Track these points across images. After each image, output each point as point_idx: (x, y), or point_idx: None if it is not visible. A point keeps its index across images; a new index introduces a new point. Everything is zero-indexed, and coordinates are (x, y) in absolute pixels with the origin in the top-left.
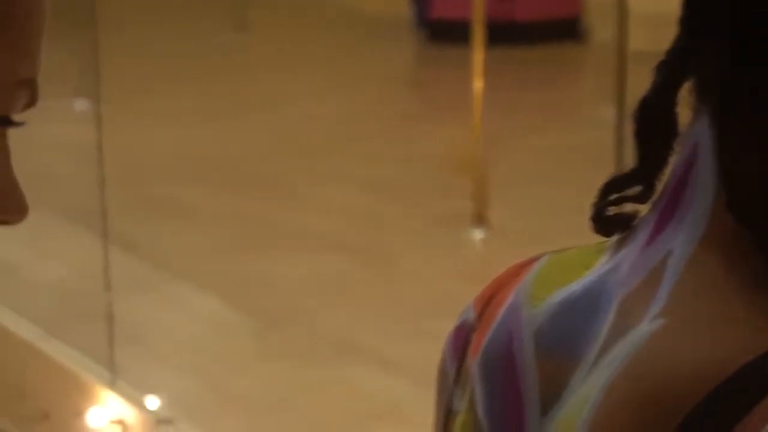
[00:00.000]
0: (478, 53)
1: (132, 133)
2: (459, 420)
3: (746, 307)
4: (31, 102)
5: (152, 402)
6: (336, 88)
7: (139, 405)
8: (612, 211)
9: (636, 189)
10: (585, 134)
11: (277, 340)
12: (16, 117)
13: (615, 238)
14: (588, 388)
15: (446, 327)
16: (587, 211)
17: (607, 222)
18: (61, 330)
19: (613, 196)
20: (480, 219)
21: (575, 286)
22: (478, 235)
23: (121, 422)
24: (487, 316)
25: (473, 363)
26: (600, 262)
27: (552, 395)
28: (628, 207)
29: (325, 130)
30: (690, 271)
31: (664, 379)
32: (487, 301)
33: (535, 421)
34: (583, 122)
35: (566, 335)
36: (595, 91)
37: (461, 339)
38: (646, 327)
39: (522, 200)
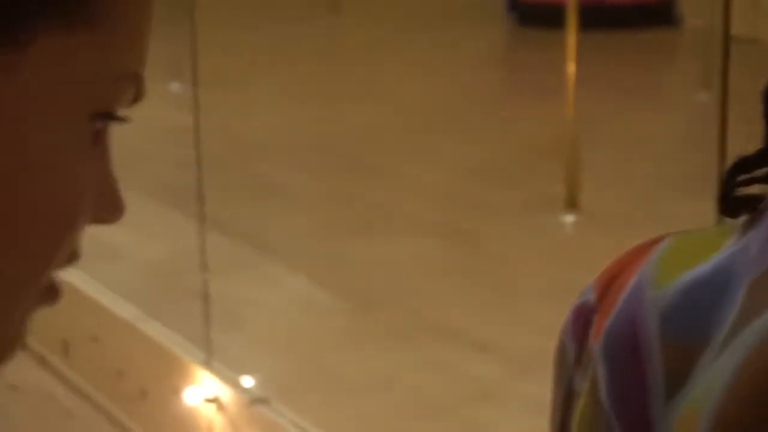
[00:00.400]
0: (571, 36)
1: (228, 117)
2: (580, 402)
3: None
4: (137, 97)
5: (247, 381)
6: (427, 71)
7: (234, 384)
8: (739, 192)
9: (763, 170)
10: (678, 119)
11: (372, 322)
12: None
13: (741, 219)
14: (715, 373)
15: (540, 310)
16: (679, 196)
17: (734, 203)
18: (158, 310)
19: (741, 177)
20: (572, 202)
21: (702, 268)
22: (569, 218)
23: (216, 400)
24: (609, 298)
25: (595, 345)
26: (727, 245)
27: (678, 379)
28: (755, 188)
29: (419, 113)
30: None
31: None
32: (609, 283)
33: (660, 404)
34: (676, 107)
35: (693, 317)
36: (688, 76)
37: (581, 320)
38: None
39: (614, 184)
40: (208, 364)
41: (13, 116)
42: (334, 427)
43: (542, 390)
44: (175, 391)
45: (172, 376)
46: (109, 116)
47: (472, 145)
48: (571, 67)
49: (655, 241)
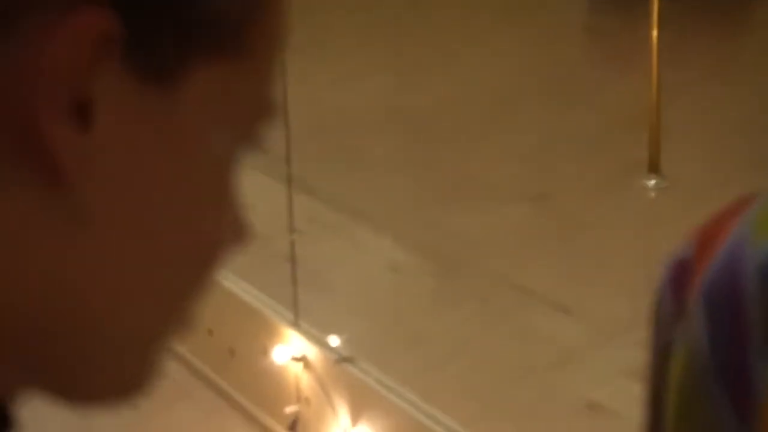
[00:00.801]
0: (654, 2)
1: (319, 85)
2: (680, 353)
3: None
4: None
5: (333, 341)
6: (511, 39)
7: (321, 343)
8: None
9: None
10: (765, 86)
11: (457, 285)
12: None
13: None
14: None
15: (623, 276)
16: (764, 162)
17: None
18: (247, 271)
19: None
20: (655, 168)
21: None
22: (652, 184)
23: (303, 359)
24: (707, 254)
25: (694, 299)
26: None
27: None
28: None
29: (505, 82)
30: None
31: None
32: (706, 240)
33: (761, 355)
34: (763, 74)
35: None
36: None
37: (680, 275)
38: None
39: (698, 150)
40: (295, 324)
41: (175, 152)
42: (417, 386)
43: (623, 354)
44: (264, 350)
45: (260, 336)
46: (255, 144)
47: (557, 114)
48: (655, 33)
49: (749, 200)
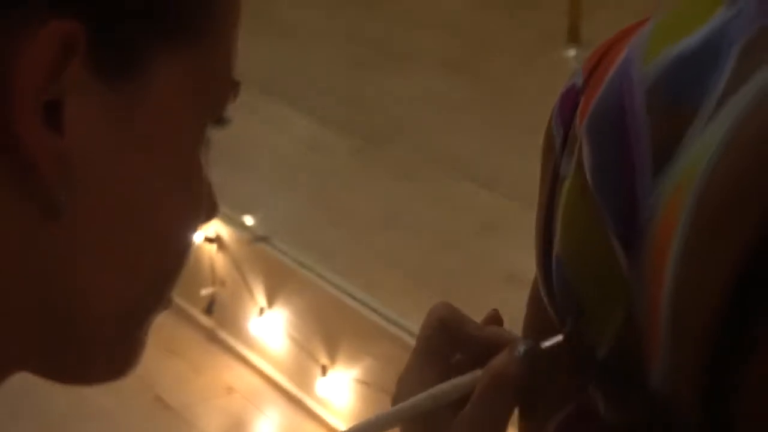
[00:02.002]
0: None
1: None
2: (566, 185)
3: None
4: (234, 99)
5: (248, 220)
6: None
7: (235, 223)
8: None
9: None
10: None
11: (378, 158)
12: None
13: None
14: (706, 140)
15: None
16: None
17: None
18: None
19: None
20: (575, 38)
21: (692, 38)
22: (572, 54)
23: (217, 239)
24: (596, 77)
25: (581, 126)
26: (718, 12)
27: (665, 153)
28: None
29: None
30: None
31: None
32: (596, 63)
33: (647, 181)
34: None
35: (682, 88)
36: None
37: (569, 103)
38: (767, 73)
39: (619, 19)
40: None
41: (148, 141)
42: (337, 263)
43: None
44: None
45: None
46: (221, 121)
47: None
48: None
49: (645, 20)
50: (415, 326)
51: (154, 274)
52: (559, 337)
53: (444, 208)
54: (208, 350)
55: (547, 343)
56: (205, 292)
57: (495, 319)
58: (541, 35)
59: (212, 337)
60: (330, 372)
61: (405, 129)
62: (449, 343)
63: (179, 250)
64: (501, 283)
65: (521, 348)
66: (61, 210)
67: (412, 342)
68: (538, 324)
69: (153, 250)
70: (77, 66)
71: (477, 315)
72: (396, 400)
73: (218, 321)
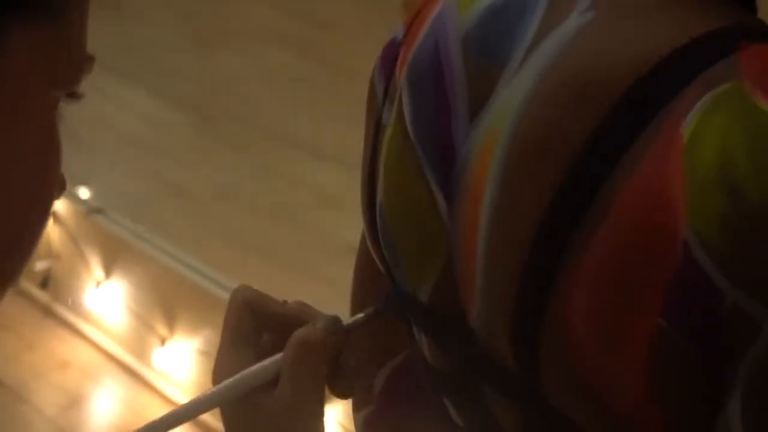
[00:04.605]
0: None
1: None
2: (387, 133)
3: None
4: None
5: (83, 192)
6: None
7: (70, 196)
8: None
9: None
10: None
11: (213, 133)
12: None
13: None
14: (515, 87)
15: None
16: None
17: None
18: None
19: None
20: (407, 8)
21: None
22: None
23: (52, 213)
24: (414, 29)
25: (401, 75)
26: None
27: (480, 99)
28: None
29: None
30: None
31: (594, 68)
32: (415, 17)
33: (463, 127)
34: None
35: (494, 38)
36: None
37: (390, 55)
38: (574, 21)
39: None
40: None
41: (12, 114)
42: (175, 236)
43: None
44: None
45: None
46: (73, 95)
47: None
48: None
49: None
50: None
51: (14, 242)
52: (360, 316)
53: (281, 181)
54: (44, 325)
55: (349, 321)
56: (40, 266)
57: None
58: (378, 11)
59: (48, 312)
60: (168, 343)
61: (240, 105)
62: (256, 325)
63: (38, 221)
64: (340, 254)
65: (322, 321)
66: None
67: None
68: (367, 278)
69: (15, 219)
70: None
71: (315, 285)
72: (215, 386)
73: (54, 295)
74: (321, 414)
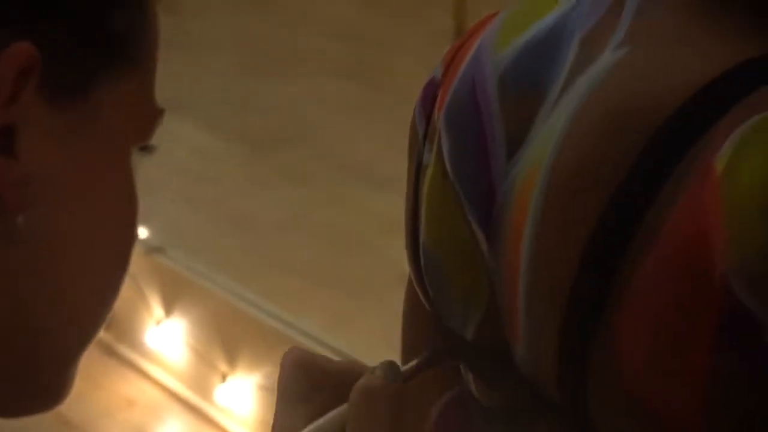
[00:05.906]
0: None
1: None
2: (428, 173)
3: (705, 29)
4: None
5: (141, 232)
6: None
7: None
8: None
9: None
10: None
11: (270, 163)
12: None
13: None
14: (553, 123)
15: None
16: None
17: None
18: None
19: None
20: (460, 32)
21: (538, 27)
22: None
23: None
24: (453, 68)
25: (440, 115)
26: (561, 2)
27: (518, 137)
28: None
29: None
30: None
31: (629, 101)
32: (453, 56)
33: (502, 166)
34: None
35: (530, 75)
36: None
37: (429, 95)
38: (608, 57)
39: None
40: None
41: (95, 164)
42: (235, 270)
43: None
44: None
45: None
46: (147, 148)
47: None
48: None
49: (493, 16)
50: (315, 329)
51: (101, 296)
52: (413, 363)
53: (341, 210)
54: (107, 364)
55: (405, 368)
56: None
57: None
58: (431, 35)
59: (110, 351)
60: (230, 379)
61: (299, 132)
62: (311, 383)
63: (121, 271)
64: (403, 283)
65: (380, 370)
66: (21, 234)
67: (310, 344)
68: (415, 320)
69: (103, 269)
70: (32, 90)
71: (377, 314)
72: None
73: (115, 335)
74: None
